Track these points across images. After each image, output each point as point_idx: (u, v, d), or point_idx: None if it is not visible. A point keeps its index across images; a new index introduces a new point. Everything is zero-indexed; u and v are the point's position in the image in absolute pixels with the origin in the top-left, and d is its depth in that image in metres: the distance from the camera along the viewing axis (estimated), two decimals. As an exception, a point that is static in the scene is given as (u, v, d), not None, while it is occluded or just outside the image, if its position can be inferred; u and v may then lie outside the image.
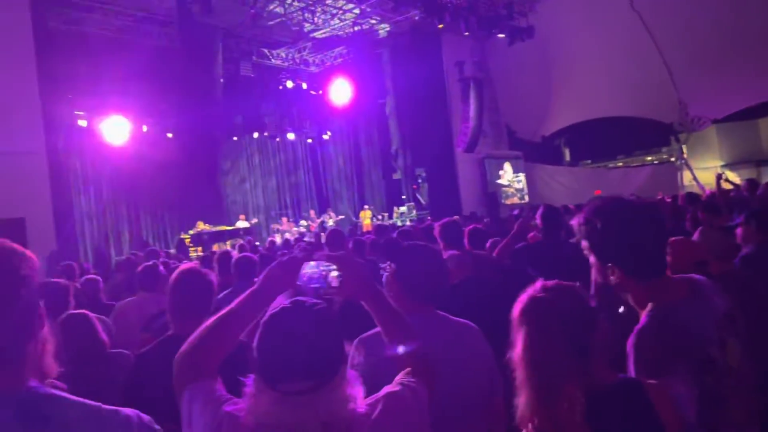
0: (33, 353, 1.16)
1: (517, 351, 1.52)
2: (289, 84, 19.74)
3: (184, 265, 2.78)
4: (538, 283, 1.57)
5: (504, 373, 2.30)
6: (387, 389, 1.49)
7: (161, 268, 4.41)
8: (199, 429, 1.40)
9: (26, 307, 1.15)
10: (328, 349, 1.35)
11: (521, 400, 1.49)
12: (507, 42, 17.94)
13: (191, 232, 15.78)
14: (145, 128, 16.74)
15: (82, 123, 15.28)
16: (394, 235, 6.79)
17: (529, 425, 1.46)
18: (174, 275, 2.61)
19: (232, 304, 1.56)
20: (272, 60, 19.43)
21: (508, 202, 20.66)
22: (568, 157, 24.46)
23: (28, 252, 1.19)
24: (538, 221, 4.71)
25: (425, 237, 6.23)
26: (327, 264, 1.59)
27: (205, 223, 16.62)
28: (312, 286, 1.58)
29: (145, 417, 1.21)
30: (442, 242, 4.15)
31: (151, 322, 3.46)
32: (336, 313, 1.45)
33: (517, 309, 1.56)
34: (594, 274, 1.82)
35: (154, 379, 1.88)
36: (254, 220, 18.99)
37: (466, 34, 17.41)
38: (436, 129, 19.23)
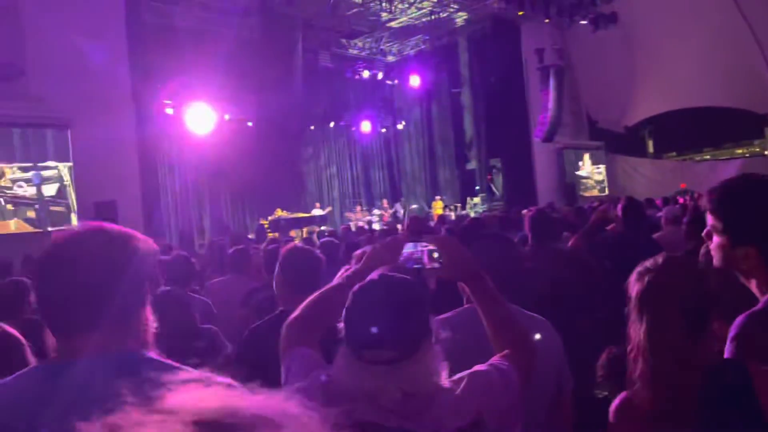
0: (138, 322, 1.25)
1: (634, 331, 1.47)
2: (366, 74, 19.88)
3: (292, 244, 2.86)
4: (655, 259, 1.50)
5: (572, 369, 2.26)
6: (475, 368, 1.50)
7: (250, 251, 4.61)
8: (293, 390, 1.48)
9: (137, 279, 1.23)
10: (413, 321, 1.36)
11: (636, 375, 1.45)
12: (590, 29, 17.38)
13: (270, 218, 16.24)
14: (227, 117, 17.31)
15: (169, 111, 15.95)
16: (466, 223, 6.72)
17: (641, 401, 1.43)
18: (283, 253, 2.69)
19: (336, 280, 1.63)
20: (349, 50, 19.62)
21: (587, 194, 20.11)
22: (651, 148, 23.53)
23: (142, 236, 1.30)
24: (618, 213, 4.56)
25: (500, 226, 6.14)
26: (425, 245, 1.61)
27: (282, 210, 17.09)
28: (413, 265, 1.61)
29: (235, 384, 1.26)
30: (531, 232, 4.05)
31: (249, 297, 3.63)
32: (423, 288, 1.47)
33: (633, 289, 1.50)
34: (715, 259, 1.67)
35: (265, 353, 1.95)
36: (329, 208, 19.33)
37: (547, 21, 16.99)
38: (513, 118, 18.91)
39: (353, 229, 13.24)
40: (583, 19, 17.17)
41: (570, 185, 19.78)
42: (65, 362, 1.15)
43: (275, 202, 17.53)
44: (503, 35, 18.42)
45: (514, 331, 1.63)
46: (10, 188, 10.57)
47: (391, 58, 20.99)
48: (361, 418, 1.33)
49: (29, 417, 1.07)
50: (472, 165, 21.09)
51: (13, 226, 10.53)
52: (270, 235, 15.11)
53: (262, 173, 17.65)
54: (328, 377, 1.43)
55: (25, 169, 10.76)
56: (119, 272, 1.20)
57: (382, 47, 20.44)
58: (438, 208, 19.04)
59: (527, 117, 19.11)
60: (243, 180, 17.88)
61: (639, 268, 1.53)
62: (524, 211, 6.17)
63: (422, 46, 20.49)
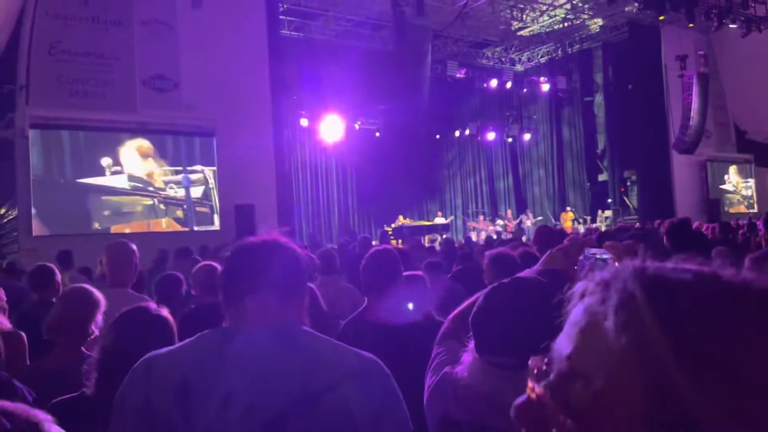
0: (302, 305, 1.42)
1: None
2: (494, 83, 19.72)
3: (375, 247, 3.02)
4: None
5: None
6: None
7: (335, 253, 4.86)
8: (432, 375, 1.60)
9: (304, 272, 1.42)
10: (539, 326, 1.28)
11: None
12: (740, 32, 16.11)
13: (393, 225, 16.54)
14: (357, 126, 17.89)
15: (304, 123, 16.77)
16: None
17: None
18: (366, 255, 2.89)
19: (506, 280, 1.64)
20: (478, 59, 19.59)
21: (733, 210, 18.61)
22: (811, 161, 21.27)
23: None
24: (760, 228, 4.26)
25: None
26: (595, 251, 1.48)
27: (405, 217, 17.37)
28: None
29: (374, 357, 1.38)
30: (669, 242, 3.88)
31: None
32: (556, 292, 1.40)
33: None
34: None
35: (355, 341, 2.05)
36: (451, 218, 19.35)
37: (691, 25, 15.99)
38: (651, 128, 17.88)
39: (475, 239, 13.19)
40: (733, 23, 15.96)
41: (714, 201, 18.39)
42: (237, 328, 1.33)
43: (399, 210, 17.87)
44: (642, 41, 17.56)
45: None
46: (163, 189, 11.64)
47: (519, 67, 20.68)
48: (478, 419, 1.36)
49: (208, 371, 1.26)
50: (604, 176, 20.23)
51: (165, 224, 11.59)
52: (393, 241, 15.44)
53: (387, 181, 18.07)
54: (456, 374, 1.46)
55: (175, 172, 11.80)
56: (295, 260, 1.39)
57: (511, 56, 20.21)
58: (567, 220, 18.41)
59: (666, 127, 18.01)
60: (369, 187, 18.40)
61: None
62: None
63: (553, 54, 20.02)
